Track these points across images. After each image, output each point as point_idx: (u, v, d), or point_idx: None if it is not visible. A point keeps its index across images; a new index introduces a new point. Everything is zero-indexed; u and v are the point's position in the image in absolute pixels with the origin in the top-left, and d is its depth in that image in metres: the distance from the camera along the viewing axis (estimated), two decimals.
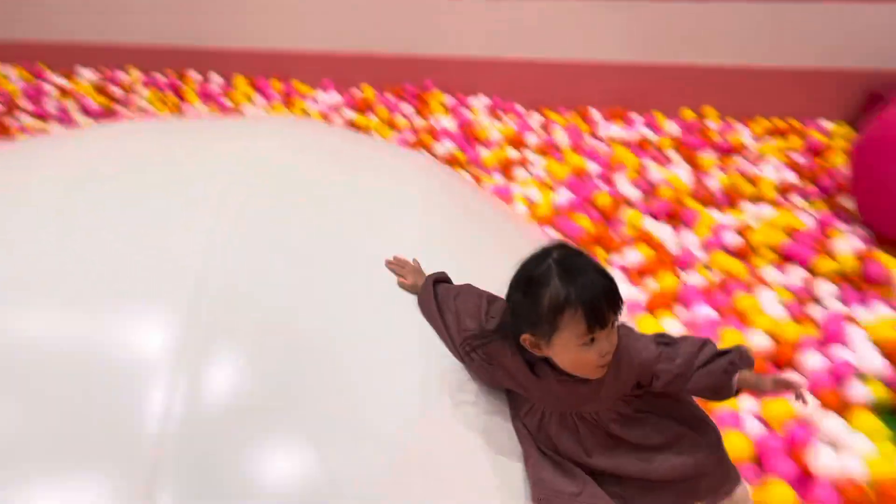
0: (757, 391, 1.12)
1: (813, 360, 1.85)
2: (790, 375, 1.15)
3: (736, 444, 1.57)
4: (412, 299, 1.29)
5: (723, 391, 1.08)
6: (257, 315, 1.21)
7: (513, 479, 1.23)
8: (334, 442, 1.12)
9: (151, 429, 1.05)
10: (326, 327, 1.23)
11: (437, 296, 1.26)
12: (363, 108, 3.65)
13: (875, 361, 1.85)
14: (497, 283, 1.51)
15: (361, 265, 1.33)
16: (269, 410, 1.14)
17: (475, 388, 1.26)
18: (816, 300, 2.21)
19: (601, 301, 1.03)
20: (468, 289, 1.27)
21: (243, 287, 1.24)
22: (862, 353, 1.88)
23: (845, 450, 1.56)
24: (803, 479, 1.55)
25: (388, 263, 1.33)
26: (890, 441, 1.66)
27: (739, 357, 1.06)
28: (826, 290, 2.21)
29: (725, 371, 1.06)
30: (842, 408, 1.73)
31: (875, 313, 2.10)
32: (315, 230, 1.37)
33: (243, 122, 1.62)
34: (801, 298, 2.20)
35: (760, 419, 1.70)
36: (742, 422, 1.66)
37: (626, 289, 2.20)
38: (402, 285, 1.31)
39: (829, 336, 1.94)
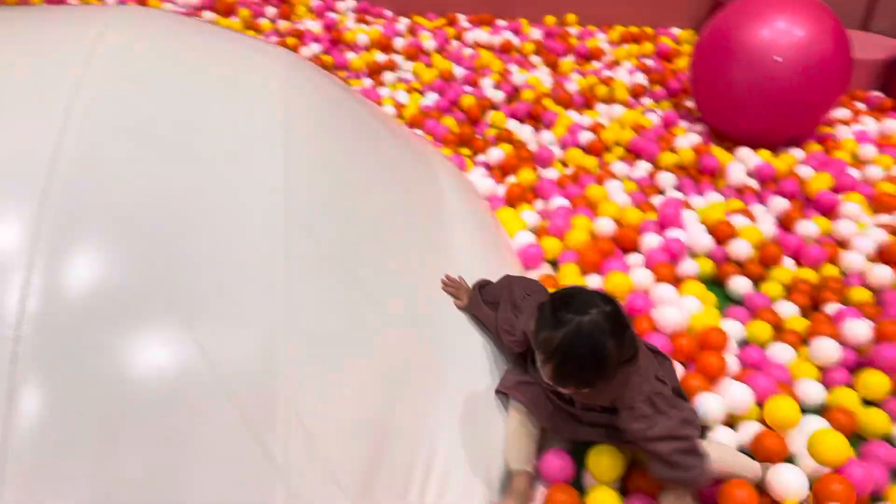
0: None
1: (651, 241, 2.05)
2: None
3: None
4: (275, 188, 1.33)
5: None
6: (116, 204, 1.22)
7: (383, 358, 1.33)
8: (207, 324, 1.17)
9: (5, 332, 1.06)
10: (189, 214, 1.26)
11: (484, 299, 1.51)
12: (225, 10, 3.51)
13: (704, 240, 2.07)
14: (361, 167, 1.57)
15: (220, 155, 1.34)
16: (137, 297, 1.17)
17: (342, 268, 1.34)
18: (658, 190, 2.42)
19: (567, 383, 1.21)
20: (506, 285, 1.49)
21: (99, 176, 1.23)
22: (693, 233, 2.10)
23: (678, 311, 1.76)
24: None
25: (444, 286, 1.54)
26: (713, 305, 1.90)
27: (690, 480, 1.24)
28: (667, 180, 2.42)
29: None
30: (675, 280, 1.95)
31: (707, 200, 2.34)
32: (173, 120, 1.36)
33: (94, 10, 1.54)
34: (645, 188, 2.41)
35: (602, 292, 1.88)
36: None
37: (488, 183, 2.32)
38: (458, 307, 1.53)
39: (666, 220, 2.15)
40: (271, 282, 1.23)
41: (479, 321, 1.54)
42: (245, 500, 1.10)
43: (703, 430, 1.31)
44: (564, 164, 2.58)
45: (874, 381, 1.61)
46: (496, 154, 2.53)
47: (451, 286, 1.54)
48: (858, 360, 1.73)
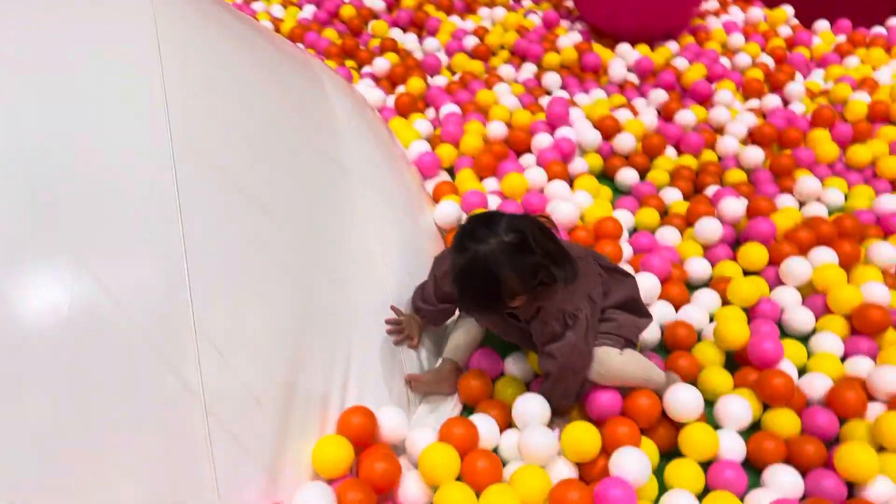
0: None
1: (542, 140, 2.09)
2: None
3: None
4: (155, 104, 1.26)
5: None
6: None
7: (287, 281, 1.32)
8: (103, 259, 1.11)
9: None
10: (66, 147, 1.18)
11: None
12: None
13: (591, 135, 2.13)
14: (244, 80, 1.50)
15: (92, 80, 1.26)
16: (22, 238, 1.11)
17: (238, 187, 1.30)
18: (545, 90, 2.46)
19: (468, 307, 1.36)
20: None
21: None
22: (581, 130, 2.16)
23: (571, 206, 1.83)
24: None
25: (389, 332, 1.43)
26: (606, 198, 1.98)
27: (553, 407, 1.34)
28: (552, 80, 2.46)
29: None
30: (567, 176, 2.01)
31: (592, 97, 2.40)
32: (37, 49, 1.26)
33: None
34: (532, 90, 2.44)
35: (500, 193, 1.93)
36: (486, 199, 1.87)
37: (376, 94, 2.29)
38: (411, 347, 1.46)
39: (555, 119, 2.19)
40: (164, 207, 1.18)
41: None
42: (166, 431, 1.09)
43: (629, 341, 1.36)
44: (451, 71, 2.56)
45: (753, 252, 1.74)
46: (382, 64, 2.48)
47: (396, 327, 1.45)
48: (737, 236, 1.86)
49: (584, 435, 1.27)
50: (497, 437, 1.34)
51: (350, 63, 2.52)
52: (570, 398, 1.34)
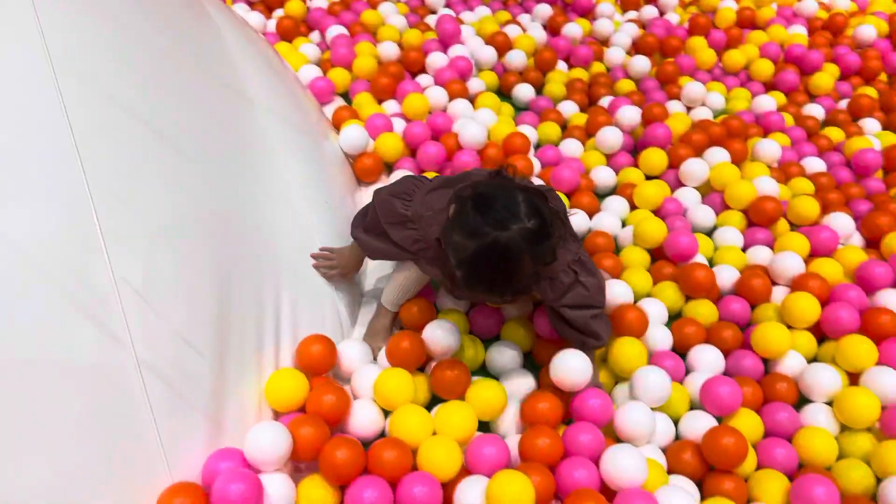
0: None
1: (437, 59, 2.04)
2: None
3: (391, 144, 1.74)
4: (28, 31, 1.11)
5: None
6: None
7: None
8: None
9: None
10: None
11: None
12: None
13: (486, 52, 2.11)
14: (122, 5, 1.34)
15: None
16: None
17: (136, 118, 1.18)
18: (429, 9, 2.40)
19: (475, 292, 1.13)
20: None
21: None
22: (474, 47, 2.12)
23: (478, 124, 1.81)
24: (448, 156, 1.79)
25: (317, 266, 1.34)
26: (508, 115, 1.98)
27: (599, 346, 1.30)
28: None
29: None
30: (468, 94, 1.98)
31: (477, 14, 2.36)
32: None
33: None
34: (416, 9, 2.37)
35: (403, 116, 1.88)
36: (391, 122, 1.82)
37: (256, 19, 2.14)
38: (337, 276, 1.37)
39: (446, 36, 2.14)
40: (58, 144, 1.05)
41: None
42: (96, 386, 1.00)
43: None
44: None
45: (653, 157, 1.80)
46: None
47: (325, 261, 1.37)
48: (635, 143, 1.92)
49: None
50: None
51: None
52: (609, 326, 1.33)
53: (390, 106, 1.92)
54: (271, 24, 2.19)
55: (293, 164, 1.48)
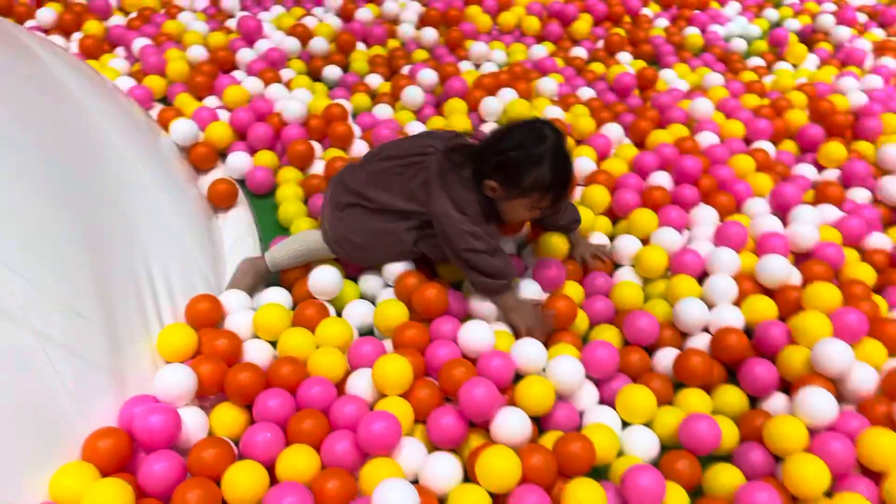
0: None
1: (247, 55, 2.20)
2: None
3: (221, 132, 1.88)
4: None
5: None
6: None
7: None
8: None
9: None
10: None
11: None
12: None
13: (291, 43, 2.29)
14: None
15: None
16: None
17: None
18: (226, 14, 2.54)
19: (566, 196, 1.39)
20: None
21: None
22: (278, 40, 2.30)
23: (298, 102, 1.98)
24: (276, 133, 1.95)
25: None
26: (323, 93, 2.17)
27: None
28: (229, 3, 2.54)
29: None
30: (282, 81, 2.15)
31: (273, 13, 2.53)
32: None
33: None
34: (214, 15, 2.52)
35: (226, 108, 2.01)
36: (217, 113, 1.95)
37: (56, 40, 2.18)
38: None
39: (251, 33, 2.30)
40: None
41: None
42: (7, 359, 1.07)
43: None
44: (125, 11, 2.50)
45: (454, 104, 2.07)
46: (47, 15, 2.33)
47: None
48: (437, 99, 2.18)
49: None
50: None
51: (11, 20, 2.33)
52: None
53: (211, 101, 2.05)
54: (73, 46, 2.23)
55: (136, 155, 1.59)
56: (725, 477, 1.19)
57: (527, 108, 2.04)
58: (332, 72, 2.27)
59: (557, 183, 1.35)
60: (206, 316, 1.38)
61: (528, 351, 1.33)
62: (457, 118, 2.01)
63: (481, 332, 1.36)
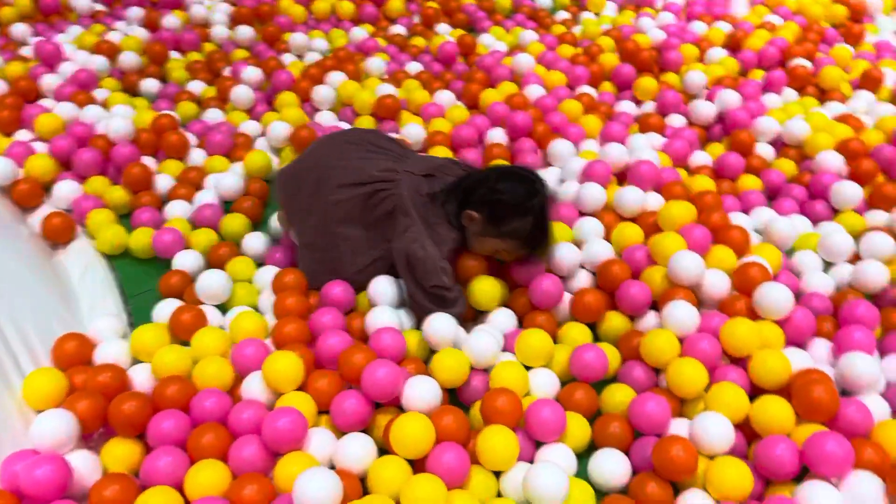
0: None
1: (53, 80, 2.04)
2: None
3: (42, 164, 1.74)
4: None
5: None
6: None
7: None
8: None
9: None
10: None
11: None
12: None
13: (99, 61, 2.15)
14: None
15: None
16: None
17: None
18: (19, 43, 2.34)
19: (534, 253, 1.44)
20: None
21: None
22: (84, 60, 2.16)
23: (123, 118, 1.88)
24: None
25: None
26: (144, 106, 2.06)
27: None
28: (20, 30, 2.35)
29: None
30: (96, 101, 2.02)
31: (71, 34, 2.37)
32: None
33: None
34: (3, 46, 2.31)
35: (40, 139, 1.87)
36: (34, 147, 1.80)
37: None
38: None
39: (49, 57, 2.14)
40: None
41: None
42: None
43: None
44: None
45: (285, 98, 2.04)
46: None
47: None
48: (265, 95, 2.14)
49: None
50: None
51: None
52: None
53: (23, 135, 1.89)
54: None
55: None
56: (618, 396, 1.28)
57: (358, 89, 2.05)
58: (149, 85, 2.16)
59: (533, 240, 1.41)
60: (75, 354, 1.29)
61: (441, 327, 1.33)
62: (290, 111, 1.98)
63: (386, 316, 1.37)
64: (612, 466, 1.17)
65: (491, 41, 2.43)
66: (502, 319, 1.42)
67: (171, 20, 2.41)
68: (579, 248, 1.53)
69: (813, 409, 1.18)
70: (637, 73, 2.18)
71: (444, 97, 2.07)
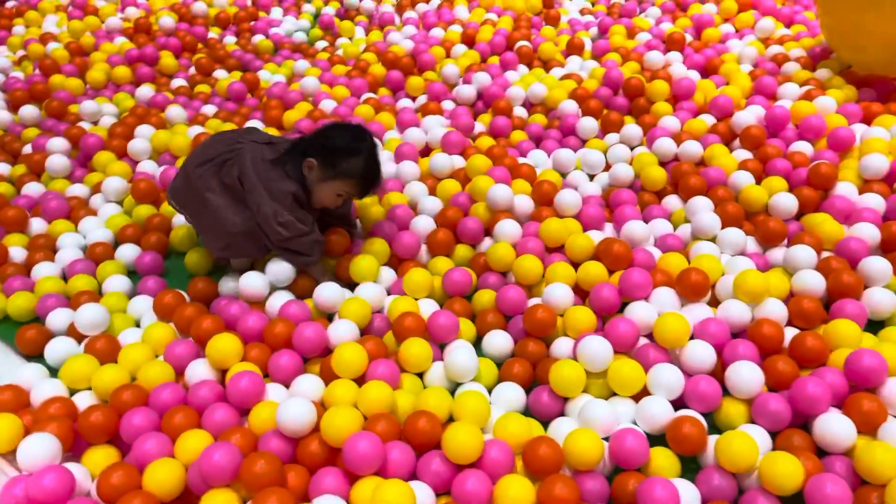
0: None
1: None
2: None
3: None
4: None
5: None
6: None
7: None
8: None
9: None
10: None
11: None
12: None
13: None
14: None
15: None
16: None
17: None
18: None
19: (370, 191, 1.65)
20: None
21: None
22: None
23: None
24: None
25: None
26: None
27: None
28: None
29: None
30: None
31: None
32: None
33: None
34: None
35: None
36: None
37: None
38: None
39: None
40: None
41: None
42: None
43: None
44: None
45: None
46: None
47: None
48: None
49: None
50: None
51: None
52: None
53: None
54: None
55: None
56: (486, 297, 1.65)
57: (170, 135, 2.23)
58: None
59: (367, 175, 1.61)
60: (12, 401, 1.39)
61: (323, 294, 1.60)
62: (117, 166, 2.12)
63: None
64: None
65: (269, 76, 2.72)
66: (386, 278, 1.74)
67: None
68: (414, 209, 1.90)
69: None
70: (404, 76, 2.60)
71: (252, 125, 2.32)
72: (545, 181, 1.90)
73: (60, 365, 1.49)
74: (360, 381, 1.41)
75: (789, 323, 1.53)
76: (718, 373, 1.42)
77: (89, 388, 1.45)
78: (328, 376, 1.43)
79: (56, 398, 1.38)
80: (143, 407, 1.34)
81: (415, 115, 2.32)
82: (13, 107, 2.50)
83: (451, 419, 1.35)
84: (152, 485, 1.19)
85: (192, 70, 2.82)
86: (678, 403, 1.37)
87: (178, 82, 2.71)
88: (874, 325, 1.54)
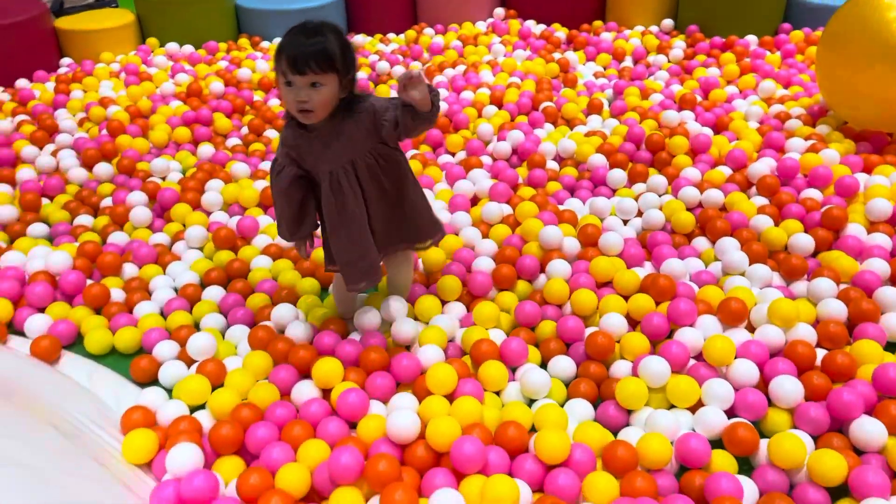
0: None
1: None
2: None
3: None
4: None
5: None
6: None
7: None
8: None
9: None
10: None
11: None
12: None
13: None
14: None
15: None
16: None
17: None
18: None
19: (302, 56, 1.38)
20: None
21: None
22: None
23: None
24: None
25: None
26: None
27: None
28: None
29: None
30: None
31: None
32: None
33: None
34: None
35: None
36: None
37: None
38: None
39: None
40: None
41: None
42: None
43: None
44: None
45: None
46: None
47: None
48: None
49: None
50: None
51: None
52: None
53: None
54: None
55: None
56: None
57: (238, 188, 2.46)
58: (38, 229, 2.35)
59: (285, 45, 1.41)
60: (141, 420, 1.56)
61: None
62: (195, 216, 2.34)
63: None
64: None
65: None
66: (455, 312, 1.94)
67: (25, 173, 2.61)
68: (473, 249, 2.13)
69: None
70: (442, 134, 2.86)
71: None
72: (589, 224, 2.13)
73: (173, 386, 1.69)
74: (450, 397, 1.60)
75: (818, 345, 1.74)
76: (761, 387, 1.62)
77: (203, 406, 1.63)
78: (421, 393, 1.62)
79: (184, 416, 1.56)
80: (262, 421, 1.53)
81: (461, 169, 2.56)
82: (85, 164, 2.72)
83: (531, 429, 1.54)
84: (285, 485, 1.36)
85: (245, 130, 3.06)
86: (729, 413, 1.57)
87: (234, 141, 2.95)
88: (890, 347, 1.76)
